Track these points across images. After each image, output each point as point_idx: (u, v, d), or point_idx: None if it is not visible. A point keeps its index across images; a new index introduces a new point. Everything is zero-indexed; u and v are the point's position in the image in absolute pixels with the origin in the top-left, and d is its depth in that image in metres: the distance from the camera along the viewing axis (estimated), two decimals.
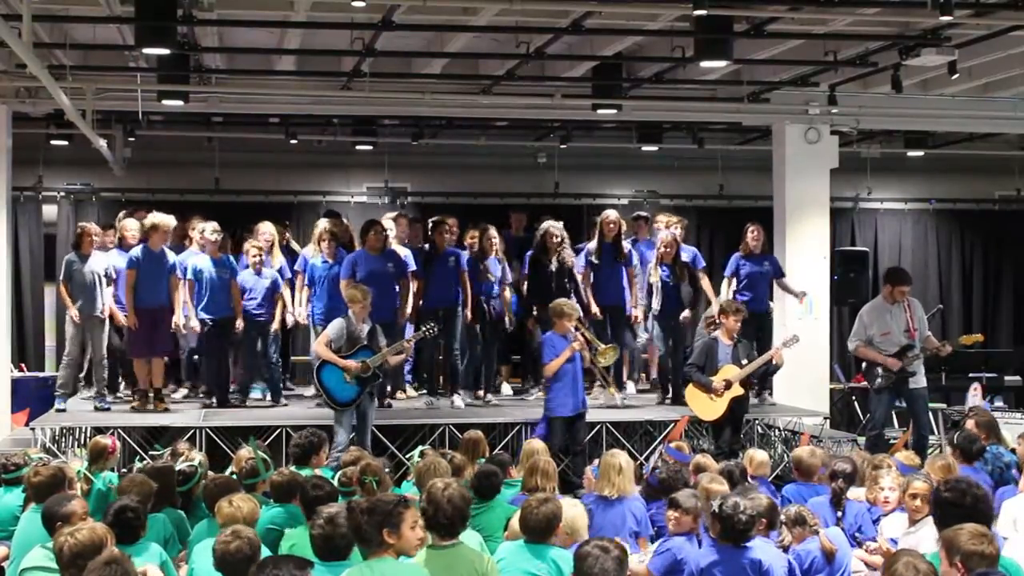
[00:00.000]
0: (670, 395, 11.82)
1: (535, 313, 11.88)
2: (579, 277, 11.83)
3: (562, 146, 15.70)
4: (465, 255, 11.96)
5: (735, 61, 10.96)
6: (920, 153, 16.46)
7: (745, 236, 12.12)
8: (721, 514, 5.76)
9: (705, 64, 11.00)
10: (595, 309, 11.70)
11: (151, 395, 11.18)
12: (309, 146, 15.66)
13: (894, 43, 10.91)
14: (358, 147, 15.78)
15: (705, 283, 12.12)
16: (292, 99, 12.88)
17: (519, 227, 13.70)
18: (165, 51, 9.97)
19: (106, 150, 12.98)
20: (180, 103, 12.08)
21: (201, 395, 12.05)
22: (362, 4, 9.25)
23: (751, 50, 11.19)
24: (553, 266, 11.59)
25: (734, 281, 12.09)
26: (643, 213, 13.52)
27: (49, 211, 15.56)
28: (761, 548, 5.83)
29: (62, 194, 15.50)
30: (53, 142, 14.68)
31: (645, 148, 15.81)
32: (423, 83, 12.51)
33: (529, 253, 12.11)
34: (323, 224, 12.15)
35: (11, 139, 12.01)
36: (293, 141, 15.13)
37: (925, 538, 6.06)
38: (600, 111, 12.90)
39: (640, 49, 12.03)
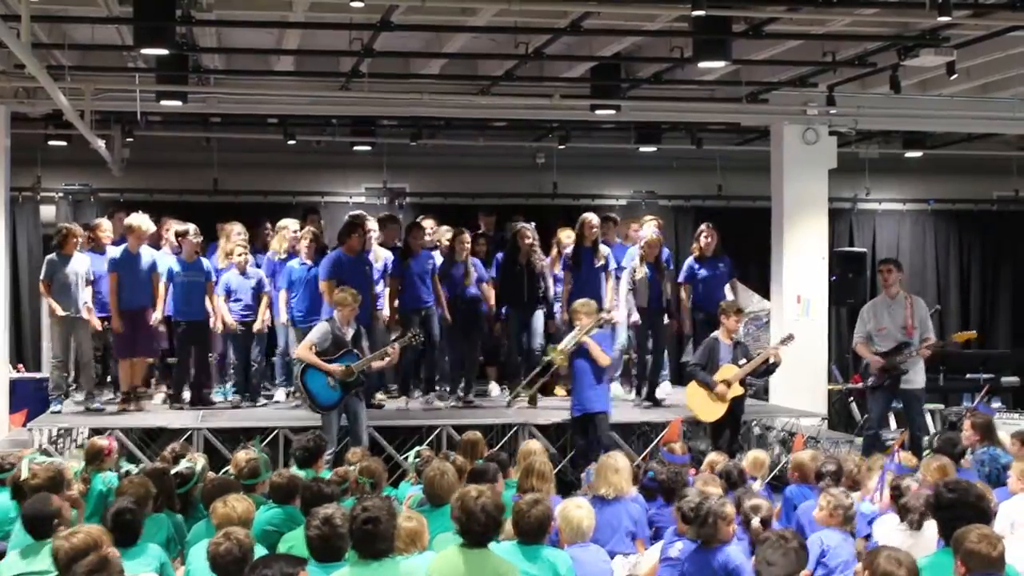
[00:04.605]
0: (643, 396, 11.78)
1: (502, 319, 11.80)
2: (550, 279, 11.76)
3: (561, 147, 15.68)
4: (437, 256, 11.97)
5: (734, 62, 10.94)
6: (918, 154, 16.45)
7: (698, 239, 12.02)
8: (690, 515, 5.89)
9: (703, 64, 10.98)
10: (565, 314, 11.54)
11: (132, 396, 11.26)
12: (308, 146, 15.63)
13: (892, 43, 10.91)
14: (356, 147, 15.76)
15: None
16: (290, 99, 12.87)
17: (488, 228, 13.62)
18: (164, 51, 9.95)
19: (104, 150, 12.96)
20: (179, 103, 12.08)
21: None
22: (360, 4, 9.24)
23: (750, 50, 11.19)
24: (524, 267, 11.45)
25: (690, 286, 11.99)
26: (612, 215, 13.42)
27: (47, 212, 15.50)
28: (731, 550, 5.82)
29: (60, 195, 15.45)
30: (51, 142, 14.61)
31: (643, 148, 15.78)
32: (422, 83, 12.51)
33: (500, 255, 12.00)
34: (292, 224, 12.18)
35: (9, 139, 12.00)
36: (291, 141, 15.09)
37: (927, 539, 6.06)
38: (599, 112, 12.89)
39: (639, 49, 12.03)
